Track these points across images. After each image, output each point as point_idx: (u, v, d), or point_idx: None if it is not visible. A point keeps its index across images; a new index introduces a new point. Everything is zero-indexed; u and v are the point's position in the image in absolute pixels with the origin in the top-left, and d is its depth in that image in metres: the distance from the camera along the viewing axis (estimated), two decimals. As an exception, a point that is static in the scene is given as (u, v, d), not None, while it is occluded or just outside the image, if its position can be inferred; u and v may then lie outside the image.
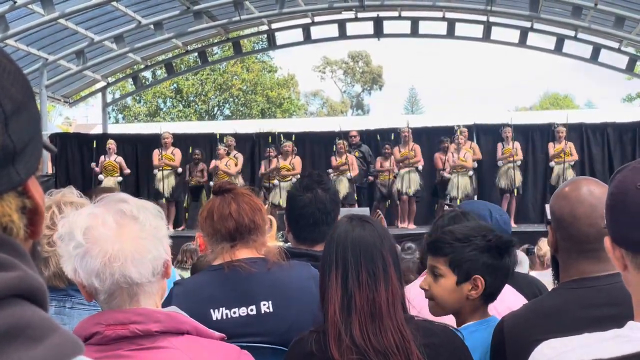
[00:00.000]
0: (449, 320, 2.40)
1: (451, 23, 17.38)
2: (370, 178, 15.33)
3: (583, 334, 1.43)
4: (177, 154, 15.23)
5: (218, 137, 16.14)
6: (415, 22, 17.58)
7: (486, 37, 17.65)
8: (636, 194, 1.32)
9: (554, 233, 2.23)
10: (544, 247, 7.74)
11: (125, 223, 1.69)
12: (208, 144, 16.36)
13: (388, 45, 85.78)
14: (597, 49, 17.29)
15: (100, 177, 15.00)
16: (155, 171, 15.02)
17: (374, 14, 17.58)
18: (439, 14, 17.42)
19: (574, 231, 2.13)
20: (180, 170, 15.13)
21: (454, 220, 2.81)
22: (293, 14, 17.28)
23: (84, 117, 44.06)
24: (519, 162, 14.73)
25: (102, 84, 19.65)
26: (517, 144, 14.88)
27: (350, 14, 17.68)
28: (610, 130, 16.21)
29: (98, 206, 1.73)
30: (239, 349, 1.91)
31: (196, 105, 43.45)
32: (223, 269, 2.59)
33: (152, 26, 15.98)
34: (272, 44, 19.45)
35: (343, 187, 13.98)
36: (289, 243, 3.25)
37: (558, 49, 17.51)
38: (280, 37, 19.55)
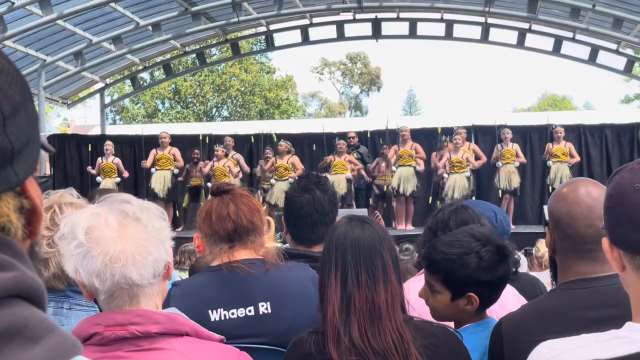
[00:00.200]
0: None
1: (449, 24, 17.40)
2: (369, 179, 15.33)
3: (581, 335, 1.43)
4: (177, 153, 15.22)
5: (201, 138, 16.21)
6: (413, 23, 17.61)
7: (484, 38, 17.67)
8: (634, 195, 1.32)
9: (552, 234, 2.23)
10: (542, 248, 7.74)
11: (127, 224, 1.69)
12: (206, 145, 16.36)
13: (386, 46, 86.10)
14: (595, 50, 17.32)
15: (98, 178, 14.99)
16: (153, 170, 15.00)
17: (372, 16, 17.61)
18: (437, 15, 17.45)
19: (572, 232, 2.13)
20: (177, 171, 15.10)
21: (455, 213, 2.80)
22: (291, 15, 17.28)
23: (82, 118, 44.01)
24: (517, 164, 14.73)
25: (100, 85, 19.66)
26: (516, 146, 14.89)
27: (348, 15, 17.70)
28: (608, 132, 16.23)
29: (101, 206, 1.73)
30: (238, 350, 1.91)
31: (194, 107, 43.45)
32: (221, 270, 2.59)
33: (150, 27, 15.99)
34: (270, 45, 19.48)
35: (341, 188, 13.98)
36: (287, 244, 3.25)
37: (556, 50, 17.53)
38: (279, 39, 19.61)
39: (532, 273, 6.40)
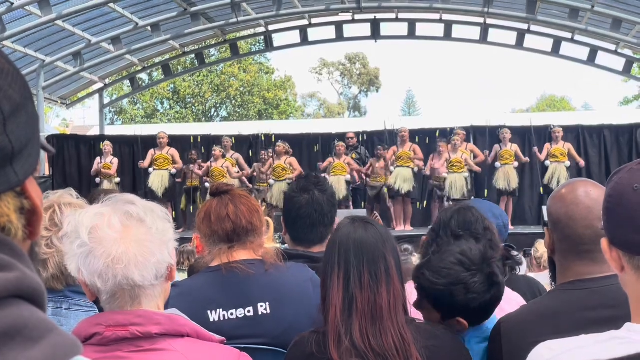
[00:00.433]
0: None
1: (448, 25, 17.40)
2: (368, 180, 15.32)
3: (580, 336, 1.43)
4: (175, 153, 15.20)
5: (192, 140, 16.22)
6: (412, 24, 17.61)
7: (483, 39, 17.66)
8: (633, 196, 1.32)
9: (551, 235, 2.23)
10: (540, 248, 7.74)
11: (131, 225, 1.69)
12: (205, 145, 16.36)
13: (385, 47, 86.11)
14: (594, 51, 17.32)
15: (98, 179, 14.98)
16: (151, 170, 14.98)
17: (371, 16, 17.61)
18: (436, 16, 17.45)
19: (571, 233, 2.13)
20: (174, 171, 15.07)
21: (458, 214, 2.78)
22: (290, 16, 17.29)
23: (81, 118, 43.99)
24: (516, 164, 14.73)
25: (99, 85, 19.65)
26: (515, 146, 14.88)
27: (347, 16, 17.69)
28: (607, 133, 16.22)
29: (105, 206, 1.73)
30: (238, 351, 1.91)
31: (193, 107, 43.44)
32: (220, 270, 2.59)
33: (149, 28, 15.98)
34: (269, 46, 19.49)
35: (339, 189, 13.98)
36: (286, 245, 3.25)
37: (555, 51, 17.54)
38: (277, 39, 19.65)
39: (531, 274, 6.41)
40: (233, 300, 2.56)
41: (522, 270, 5.89)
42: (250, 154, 16.39)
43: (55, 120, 43.25)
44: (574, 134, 15.88)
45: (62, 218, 2.14)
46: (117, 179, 15.13)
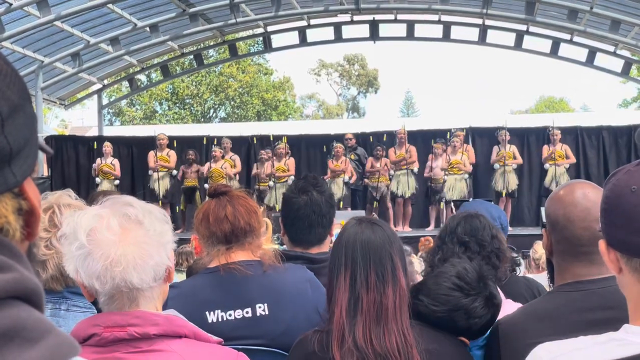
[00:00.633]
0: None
1: (447, 26, 17.40)
2: (366, 181, 15.33)
3: (578, 337, 1.43)
4: (172, 155, 15.20)
5: (205, 142, 16.24)
6: (411, 25, 17.61)
7: (482, 40, 17.66)
8: (631, 197, 1.32)
9: (549, 236, 2.23)
10: (539, 250, 7.74)
11: (129, 227, 1.69)
12: (203, 145, 16.35)
13: (384, 48, 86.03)
14: (592, 52, 17.33)
15: (97, 180, 14.97)
16: (151, 172, 14.99)
17: (369, 17, 17.61)
18: (435, 17, 17.44)
19: (568, 234, 2.13)
20: (175, 172, 15.09)
21: (464, 221, 2.78)
22: (289, 17, 17.28)
23: (79, 119, 43.95)
24: (514, 166, 14.74)
25: (97, 86, 19.63)
26: (513, 148, 14.89)
27: (346, 17, 17.69)
28: (605, 134, 16.22)
29: (104, 207, 1.73)
30: (237, 352, 1.91)
31: (192, 108, 43.43)
32: (219, 271, 2.59)
33: (147, 29, 15.96)
34: (267, 47, 19.48)
35: (338, 190, 13.99)
36: (284, 245, 3.25)
37: (554, 52, 17.54)
38: (276, 40, 19.60)
39: (529, 275, 6.41)
40: (231, 301, 2.56)
41: (520, 271, 5.90)
42: (250, 152, 16.40)
43: (54, 121, 43.23)
44: (572, 135, 15.88)
45: (62, 219, 2.14)
46: (117, 181, 15.12)
